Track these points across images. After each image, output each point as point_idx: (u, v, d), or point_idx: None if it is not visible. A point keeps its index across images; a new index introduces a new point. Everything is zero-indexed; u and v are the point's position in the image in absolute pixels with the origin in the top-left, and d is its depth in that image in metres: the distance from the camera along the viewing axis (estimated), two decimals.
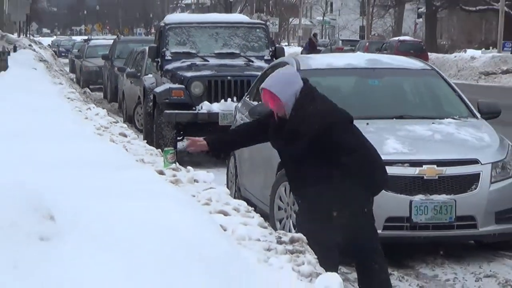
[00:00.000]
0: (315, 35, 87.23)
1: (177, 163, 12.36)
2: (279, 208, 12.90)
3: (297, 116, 9.72)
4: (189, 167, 13.60)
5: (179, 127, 21.98)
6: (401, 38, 75.93)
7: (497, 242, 12.52)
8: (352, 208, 9.56)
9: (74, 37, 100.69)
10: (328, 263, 9.13)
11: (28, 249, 4.80)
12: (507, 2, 71.23)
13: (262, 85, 9.96)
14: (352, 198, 9.53)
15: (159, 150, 16.94)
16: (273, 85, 10.04)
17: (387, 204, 11.44)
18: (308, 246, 8.82)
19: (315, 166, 9.56)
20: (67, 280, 4.70)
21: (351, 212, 9.54)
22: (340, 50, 74.85)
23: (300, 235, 9.35)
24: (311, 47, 70.20)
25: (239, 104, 17.12)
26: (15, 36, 72.22)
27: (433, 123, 12.89)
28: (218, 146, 11.12)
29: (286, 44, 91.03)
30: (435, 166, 11.60)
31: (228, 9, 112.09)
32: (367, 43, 78.46)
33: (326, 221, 9.52)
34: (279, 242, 8.79)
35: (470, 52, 66.63)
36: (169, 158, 10.91)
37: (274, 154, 12.92)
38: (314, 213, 9.63)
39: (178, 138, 22.21)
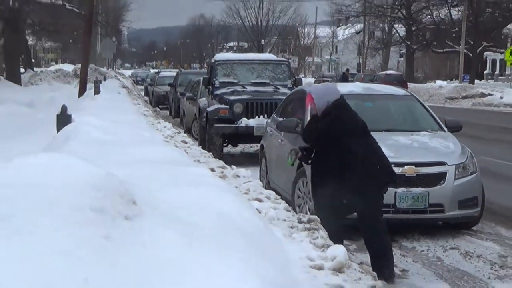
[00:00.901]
0: (347, 70, 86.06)
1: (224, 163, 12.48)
2: (298, 197, 13.05)
3: (324, 117, 9.98)
4: (233, 166, 13.76)
5: (225, 137, 21.97)
6: (388, 72, 74.99)
7: (459, 223, 12.60)
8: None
9: (147, 70, 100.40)
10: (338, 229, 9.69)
11: (117, 226, 4.81)
12: (466, 46, 71.79)
13: (309, 89, 10.45)
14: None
15: (211, 153, 17.33)
16: (314, 92, 10.41)
17: None
18: (321, 225, 8.96)
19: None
20: (146, 248, 4.76)
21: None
22: (344, 79, 74.93)
23: (315, 216, 9.49)
24: (344, 79, 69.94)
25: (269, 120, 17.18)
26: (104, 69, 72.18)
27: (412, 134, 13.01)
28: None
29: (303, 76, 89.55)
30: (413, 166, 11.62)
31: (260, 50, 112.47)
32: (362, 76, 77.27)
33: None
34: (299, 222, 9.06)
35: (439, 82, 66.55)
36: (294, 158, 10.51)
37: None
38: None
39: (224, 144, 22.21)
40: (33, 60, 78.84)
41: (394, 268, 9.96)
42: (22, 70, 59.01)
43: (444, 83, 65.67)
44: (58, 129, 17.44)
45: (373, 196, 9.89)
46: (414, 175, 11.01)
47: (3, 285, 3.96)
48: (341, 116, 9.93)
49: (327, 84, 10.87)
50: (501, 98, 51.88)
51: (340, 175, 9.66)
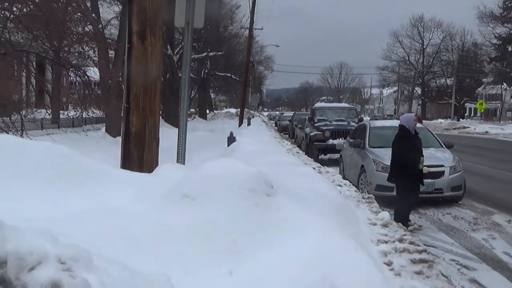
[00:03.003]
0: (416, 114, 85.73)
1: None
2: (361, 184, 12.85)
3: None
4: (325, 166, 13.95)
5: (319, 150, 21.55)
6: (413, 113, 74.84)
7: (451, 200, 12.24)
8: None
9: (276, 112, 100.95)
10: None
11: (262, 198, 4.73)
12: (455, 100, 71.53)
13: (414, 115, 10.55)
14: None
15: (312, 159, 17.35)
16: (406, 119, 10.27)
17: None
18: (375, 199, 8.96)
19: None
20: (279, 211, 4.69)
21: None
22: (386, 118, 73.17)
23: (371, 195, 9.63)
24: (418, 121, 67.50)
25: (345, 140, 16.82)
26: (252, 111, 73.15)
27: (426, 149, 12.84)
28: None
29: (363, 116, 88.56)
30: (426, 167, 11.56)
31: (340, 101, 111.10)
32: (399, 116, 77.15)
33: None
34: (363, 198, 9.03)
35: (439, 120, 64.88)
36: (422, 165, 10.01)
37: (359, 160, 13.48)
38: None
39: (319, 154, 21.64)
40: (213, 106, 79.98)
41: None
42: (208, 111, 59.94)
43: (442, 120, 63.98)
44: (228, 145, 17.72)
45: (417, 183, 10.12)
46: (427, 172, 10.72)
47: (195, 236, 4.08)
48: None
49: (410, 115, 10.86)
50: (475, 129, 51.58)
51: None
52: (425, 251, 5.71)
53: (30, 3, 20.09)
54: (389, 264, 5.10)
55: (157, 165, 7.61)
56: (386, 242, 5.94)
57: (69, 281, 2.28)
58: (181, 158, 9.05)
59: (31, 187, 4.50)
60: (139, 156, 7.64)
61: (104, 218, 4.01)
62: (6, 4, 19.37)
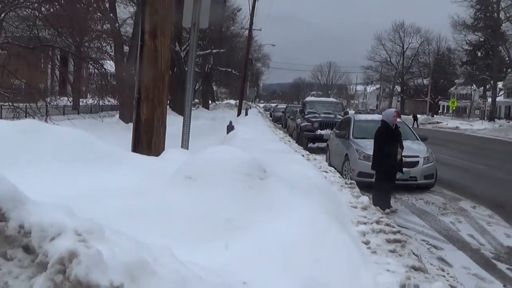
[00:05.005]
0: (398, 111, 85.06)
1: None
2: (345, 171, 12.75)
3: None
4: (313, 154, 13.86)
5: (309, 139, 21.45)
6: (393, 109, 74.27)
7: (425, 186, 12.22)
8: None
9: (271, 104, 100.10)
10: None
11: (256, 182, 4.69)
12: (431, 97, 71.61)
13: (395, 111, 10.59)
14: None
15: (302, 147, 17.31)
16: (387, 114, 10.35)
17: None
18: (356, 185, 8.85)
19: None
20: (271, 193, 4.64)
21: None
22: (369, 112, 72.56)
23: (353, 181, 9.55)
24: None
25: (332, 131, 16.57)
26: (250, 103, 72.81)
27: (403, 141, 12.77)
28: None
29: (349, 109, 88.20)
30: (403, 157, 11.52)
31: (328, 96, 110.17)
32: (381, 111, 76.56)
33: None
34: (346, 183, 8.92)
35: (411, 116, 64.43)
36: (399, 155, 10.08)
37: (344, 149, 13.34)
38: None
39: (308, 143, 21.43)
40: (215, 98, 79.76)
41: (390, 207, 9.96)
42: (210, 102, 59.78)
43: (419, 116, 63.73)
44: (227, 133, 17.70)
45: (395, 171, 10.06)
46: (404, 162, 10.69)
47: (196, 213, 4.08)
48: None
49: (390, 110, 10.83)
50: (447, 124, 51.77)
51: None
52: (399, 232, 5.73)
53: (56, 3, 20.31)
54: (367, 243, 5.12)
55: (164, 149, 7.63)
56: (365, 223, 5.95)
57: (84, 250, 2.32)
58: (185, 143, 9.07)
59: (51, 167, 4.51)
60: (148, 141, 7.65)
61: (115, 195, 4.02)
62: (36, 5, 19.56)
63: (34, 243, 2.49)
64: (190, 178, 4.56)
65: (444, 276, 5.31)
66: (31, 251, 2.50)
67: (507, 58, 62.27)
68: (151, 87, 7.60)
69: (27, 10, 20.03)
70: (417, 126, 50.49)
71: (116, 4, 28.24)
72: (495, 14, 61.86)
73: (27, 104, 20.82)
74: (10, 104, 19.19)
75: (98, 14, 25.08)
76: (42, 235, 2.49)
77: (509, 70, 64.20)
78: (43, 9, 20.01)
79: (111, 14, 26.21)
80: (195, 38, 9.11)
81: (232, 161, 4.88)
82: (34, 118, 17.63)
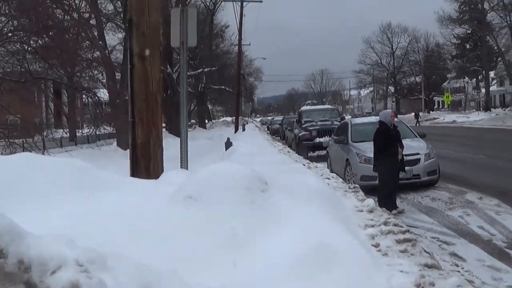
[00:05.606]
0: (394, 112, 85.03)
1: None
2: (347, 176, 12.72)
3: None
4: (314, 163, 13.80)
5: (308, 148, 21.42)
6: (389, 110, 74.46)
7: (428, 184, 12.14)
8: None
9: (267, 118, 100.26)
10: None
11: (257, 195, 4.68)
12: (425, 94, 71.76)
13: (391, 111, 10.69)
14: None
15: (302, 156, 17.20)
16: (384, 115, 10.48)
17: None
18: (360, 189, 8.78)
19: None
20: (272, 205, 4.63)
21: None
22: (365, 115, 72.53)
23: (357, 185, 9.42)
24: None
25: (330, 138, 16.60)
26: (246, 118, 72.90)
27: (402, 140, 12.75)
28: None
29: (345, 115, 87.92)
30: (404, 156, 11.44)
31: (323, 103, 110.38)
32: (377, 114, 76.51)
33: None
34: (349, 188, 8.81)
35: (412, 114, 64.27)
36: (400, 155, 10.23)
37: (344, 154, 13.35)
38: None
39: (308, 152, 21.28)
40: (211, 116, 79.88)
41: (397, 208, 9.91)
42: (206, 121, 59.86)
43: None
44: (226, 149, 17.64)
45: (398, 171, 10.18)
46: (405, 160, 10.63)
47: (199, 232, 4.02)
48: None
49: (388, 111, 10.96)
50: (444, 119, 51.90)
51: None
52: (408, 231, 5.64)
53: (44, 35, 20.28)
54: (376, 245, 5.03)
55: (163, 172, 7.53)
56: (372, 226, 5.87)
57: (87, 281, 2.26)
58: (184, 164, 9.00)
59: (51, 197, 4.46)
60: (146, 165, 7.55)
61: (115, 220, 3.96)
62: (24, 38, 19.56)
63: (35, 278, 2.43)
64: (190, 197, 4.49)
65: (459, 271, 5.22)
66: (32, 286, 2.44)
67: (495, 47, 62.72)
68: (144, 109, 7.53)
69: (16, 44, 19.98)
70: (419, 124, 50.14)
71: (104, 31, 28.47)
72: (480, 5, 62.40)
73: (24, 140, 20.75)
74: (6, 140, 19.10)
75: (87, 42, 25.14)
76: (42, 269, 2.43)
77: (499, 59, 64.44)
78: (31, 42, 19.96)
79: (100, 42, 26.26)
80: (184, 56, 9.09)
81: (231, 176, 4.81)
82: (31, 152, 17.54)
